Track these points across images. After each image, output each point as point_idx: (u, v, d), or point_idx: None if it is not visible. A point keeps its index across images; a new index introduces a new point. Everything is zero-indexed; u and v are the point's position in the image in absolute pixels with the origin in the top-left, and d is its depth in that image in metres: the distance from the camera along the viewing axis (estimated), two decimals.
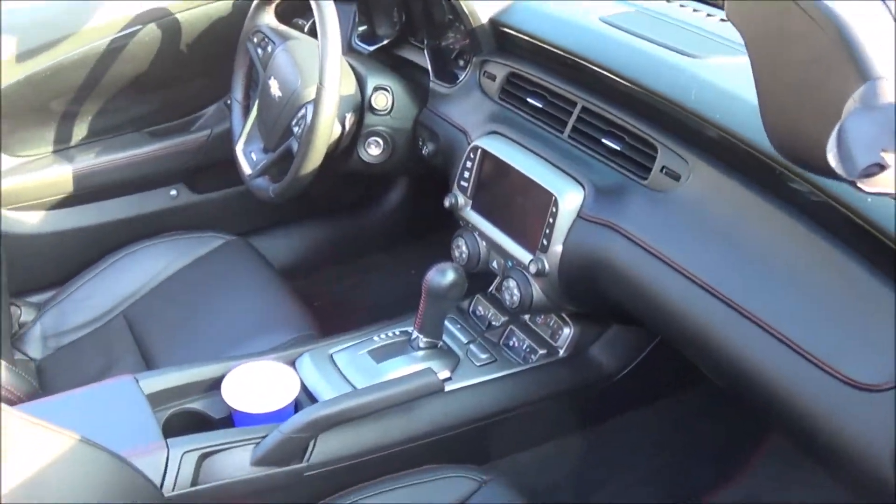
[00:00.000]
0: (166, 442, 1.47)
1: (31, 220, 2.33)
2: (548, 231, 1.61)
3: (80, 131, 2.37)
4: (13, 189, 2.28)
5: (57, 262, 2.37)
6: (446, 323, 1.85)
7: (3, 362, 1.63)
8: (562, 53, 1.72)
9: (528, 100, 1.81)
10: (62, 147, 2.36)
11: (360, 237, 2.80)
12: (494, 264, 1.81)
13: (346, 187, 2.69)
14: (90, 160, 2.36)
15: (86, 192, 2.37)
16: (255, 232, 2.58)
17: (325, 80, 1.82)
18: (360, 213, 2.80)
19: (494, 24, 1.89)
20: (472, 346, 1.83)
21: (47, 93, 2.25)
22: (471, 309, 1.96)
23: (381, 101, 2.02)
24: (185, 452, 1.47)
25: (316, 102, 1.84)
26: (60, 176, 2.33)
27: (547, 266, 1.62)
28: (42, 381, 2.03)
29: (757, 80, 1.06)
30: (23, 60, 2.16)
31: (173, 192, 2.51)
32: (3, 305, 1.90)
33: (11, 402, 1.60)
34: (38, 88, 2.21)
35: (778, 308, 1.29)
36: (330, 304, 2.62)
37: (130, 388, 1.60)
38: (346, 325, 1.93)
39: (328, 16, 1.84)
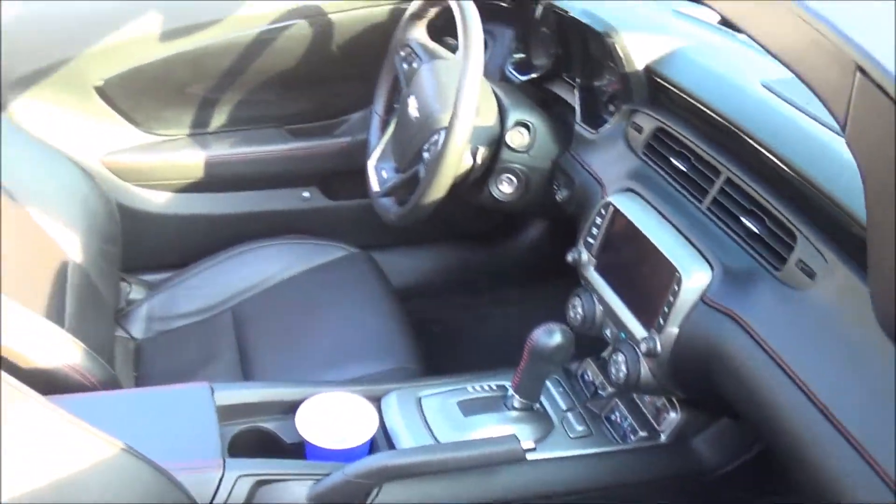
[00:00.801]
0: (224, 461, 1.40)
1: (158, 200, 2.33)
2: (666, 309, 1.47)
3: (218, 119, 2.36)
4: (145, 166, 2.29)
5: (177, 246, 2.37)
6: (548, 383, 1.74)
7: (82, 345, 1.58)
8: (715, 116, 1.58)
9: (672, 160, 1.66)
10: (199, 132, 2.35)
11: (488, 269, 2.71)
12: (607, 332, 1.68)
13: (480, 217, 2.60)
14: (226, 149, 2.35)
15: (217, 180, 2.35)
16: (382, 247, 2.52)
17: (459, 109, 1.71)
18: (492, 245, 2.71)
19: (650, 72, 1.76)
20: (569, 415, 1.70)
21: (188, 76, 2.24)
22: (579, 373, 1.83)
23: (517, 138, 1.90)
24: (241, 476, 1.39)
25: (448, 131, 1.74)
26: (194, 160, 2.32)
27: (659, 347, 1.48)
28: (138, 362, 2.02)
29: (870, 233, 0.92)
30: (165, 41, 2.14)
31: (306, 194, 2.47)
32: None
33: (84, 388, 1.56)
34: (180, 71, 2.21)
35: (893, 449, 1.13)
36: (446, 332, 2.53)
37: (204, 397, 1.54)
38: (455, 356, 1.84)
39: (474, 42, 1.74)
